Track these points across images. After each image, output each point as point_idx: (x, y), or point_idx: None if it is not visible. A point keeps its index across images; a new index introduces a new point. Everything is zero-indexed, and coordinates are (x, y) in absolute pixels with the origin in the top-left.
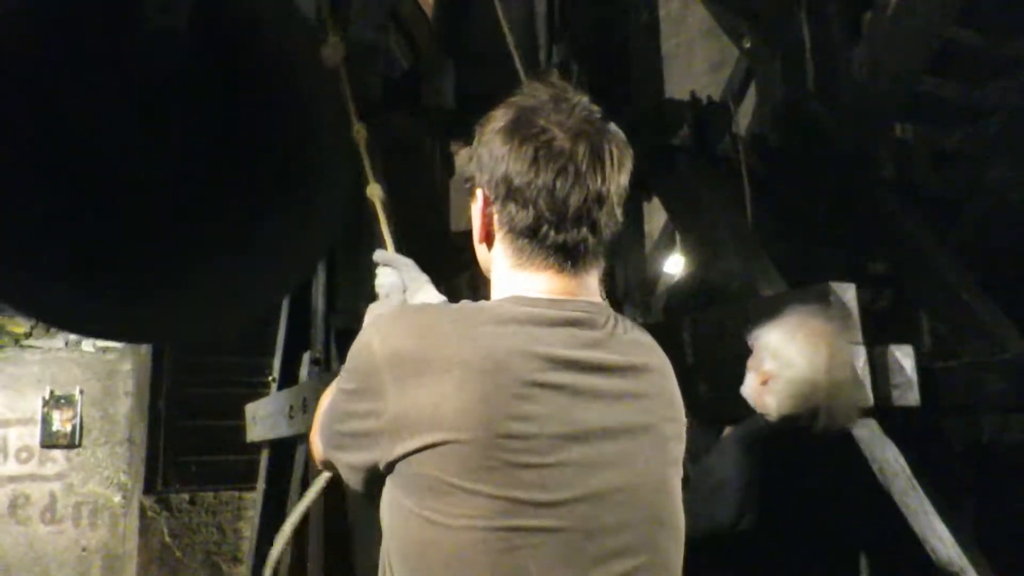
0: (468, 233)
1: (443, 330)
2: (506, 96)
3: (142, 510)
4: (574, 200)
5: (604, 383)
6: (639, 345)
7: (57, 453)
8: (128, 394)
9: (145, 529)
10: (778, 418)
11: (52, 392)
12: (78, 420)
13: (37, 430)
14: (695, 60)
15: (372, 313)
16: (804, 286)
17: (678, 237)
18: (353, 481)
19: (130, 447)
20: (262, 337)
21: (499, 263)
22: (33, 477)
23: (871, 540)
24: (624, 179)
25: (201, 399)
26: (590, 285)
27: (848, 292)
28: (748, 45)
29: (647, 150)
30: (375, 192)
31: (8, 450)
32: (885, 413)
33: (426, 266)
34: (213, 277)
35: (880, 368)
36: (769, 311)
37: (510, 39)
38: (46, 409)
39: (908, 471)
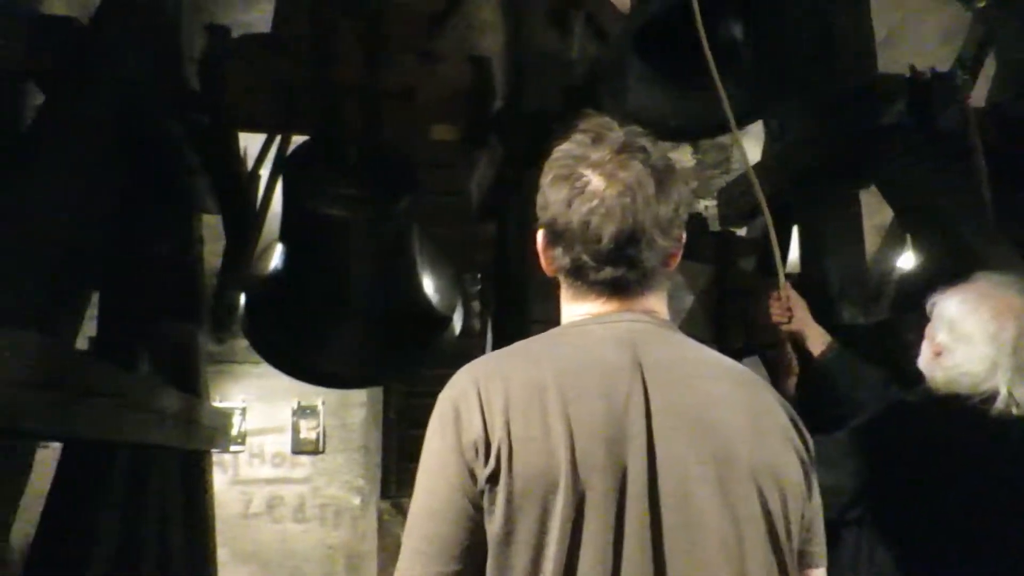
0: None
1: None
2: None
3: (379, 513)
4: (606, 242)
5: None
6: (698, 366)
7: (304, 459)
8: (362, 404)
9: (383, 531)
10: (947, 396)
11: (299, 403)
12: (321, 429)
13: (287, 438)
14: (925, 32)
15: None
16: None
17: (899, 226)
18: None
19: (365, 454)
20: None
21: (562, 296)
22: (286, 480)
23: None
24: (666, 208)
25: (427, 409)
26: (644, 306)
27: None
28: (982, 5)
29: (856, 133)
30: None
31: (265, 455)
32: None
33: None
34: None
35: None
36: None
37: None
38: (295, 419)
39: None
